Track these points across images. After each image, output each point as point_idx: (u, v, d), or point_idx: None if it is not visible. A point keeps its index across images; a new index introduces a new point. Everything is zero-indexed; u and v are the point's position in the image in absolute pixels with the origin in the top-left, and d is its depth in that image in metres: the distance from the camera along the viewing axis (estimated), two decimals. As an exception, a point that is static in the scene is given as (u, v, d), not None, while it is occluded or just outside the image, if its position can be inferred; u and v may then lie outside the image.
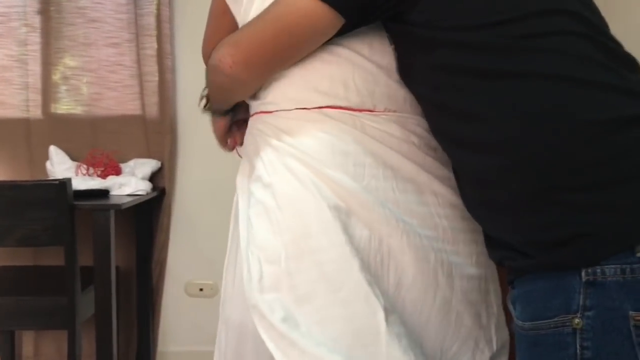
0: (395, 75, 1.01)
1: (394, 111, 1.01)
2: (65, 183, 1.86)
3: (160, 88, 2.46)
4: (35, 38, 2.45)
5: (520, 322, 0.85)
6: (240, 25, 1.08)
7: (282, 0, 0.96)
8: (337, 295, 0.91)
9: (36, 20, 2.45)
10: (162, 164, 2.49)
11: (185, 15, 2.49)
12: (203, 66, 2.65)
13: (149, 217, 2.49)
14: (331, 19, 0.92)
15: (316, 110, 1.00)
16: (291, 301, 0.91)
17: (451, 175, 1.00)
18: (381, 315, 0.89)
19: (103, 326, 1.98)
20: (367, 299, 0.90)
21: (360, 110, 1.00)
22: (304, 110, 1.01)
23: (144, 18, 2.45)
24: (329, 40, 0.97)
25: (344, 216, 0.94)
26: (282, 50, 0.98)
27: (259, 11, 0.99)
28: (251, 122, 1.11)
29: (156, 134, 2.48)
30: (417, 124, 1.02)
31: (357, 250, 0.93)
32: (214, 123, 1.22)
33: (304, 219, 0.94)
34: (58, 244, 1.90)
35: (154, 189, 2.38)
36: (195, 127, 2.53)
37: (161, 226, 2.51)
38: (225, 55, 1.00)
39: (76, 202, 1.92)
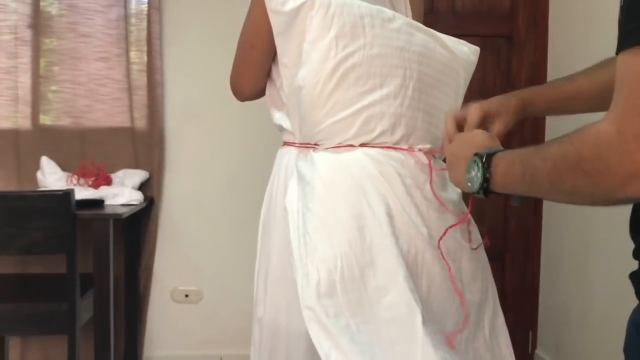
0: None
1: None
2: (69, 193, 1.94)
3: (149, 101, 2.55)
4: (26, 51, 2.52)
5: None
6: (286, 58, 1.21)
7: None
8: (383, 300, 1.05)
9: (27, 34, 2.52)
10: (150, 175, 2.58)
11: (175, 32, 2.60)
12: (190, 82, 2.77)
13: (137, 225, 2.58)
14: None
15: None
16: (344, 304, 1.03)
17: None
18: (419, 318, 1.03)
19: (102, 331, 2.07)
20: (409, 304, 1.04)
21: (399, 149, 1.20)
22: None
23: (134, 34, 2.55)
24: None
25: (395, 232, 1.09)
26: None
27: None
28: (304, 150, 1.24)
29: (145, 146, 2.57)
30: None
31: (403, 262, 1.07)
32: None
33: (363, 233, 1.08)
34: (60, 252, 1.97)
35: (144, 198, 2.47)
36: (183, 140, 2.65)
37: (149, 234, 2.60)
38: None
39: (77, 212, 2.00)
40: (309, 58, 1.15)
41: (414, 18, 1.34)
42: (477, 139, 0.99)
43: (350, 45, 1.14)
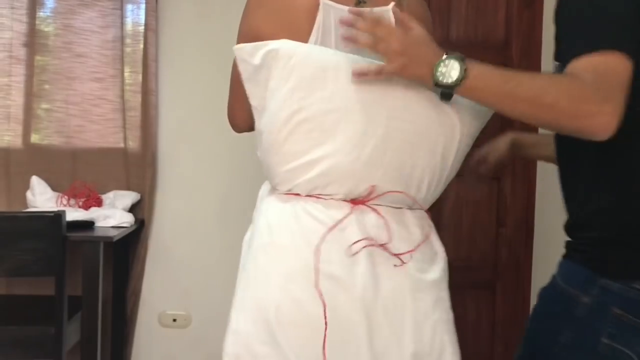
0: None
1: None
2: (60, 215, 1.91)
3: (143, 123, 2.54)
4: (20, 69, 2.51)
5: None
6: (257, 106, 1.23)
7: None
8: None
9: (22, 53, 2.50)
10: (141, 197, 2.55)
11: (171, 55, 2.60)
12: (185, 104, 2.76)
13: (126, 247, 2.54)
14: None
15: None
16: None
17: None
18: None
19: (88, 355, 2.03)
20: None
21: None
22: None
23: (129, 55, 2.54)
24: None
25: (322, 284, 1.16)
26: None
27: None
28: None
29: (137, 167, 2.55)
30: None
31: None
32: None
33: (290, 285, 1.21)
34: (49, 274, 1.93)
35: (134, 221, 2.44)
36: (176, 162, 2.63)
37: (138, 257, 2.56)
38: None
39: (68, 234, 1.97)
40: (269, 106, 1.17)
41: None
42: (427, 39, 1.09)
43: (306, 98, 1.13)
